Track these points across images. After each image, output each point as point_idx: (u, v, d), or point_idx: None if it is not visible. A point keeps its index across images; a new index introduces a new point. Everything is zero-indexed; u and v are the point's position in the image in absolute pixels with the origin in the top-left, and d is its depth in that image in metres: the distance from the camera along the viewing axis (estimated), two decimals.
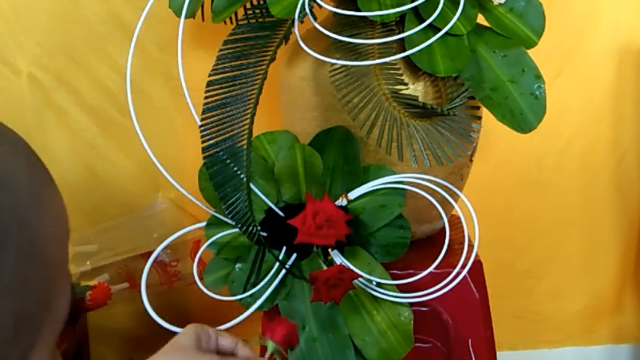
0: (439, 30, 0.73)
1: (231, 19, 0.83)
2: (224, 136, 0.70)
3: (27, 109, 1.13)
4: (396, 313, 0.78)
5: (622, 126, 1.24)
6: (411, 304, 0.79)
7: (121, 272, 1.12)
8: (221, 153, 0.70)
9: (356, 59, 0.74)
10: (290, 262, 0.79)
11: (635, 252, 1.30)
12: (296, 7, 0.73)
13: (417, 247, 0.84)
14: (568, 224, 1.28)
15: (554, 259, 1.30)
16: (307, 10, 0.73)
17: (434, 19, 0.73)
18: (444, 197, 0.79)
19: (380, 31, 0.77)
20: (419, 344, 0.83)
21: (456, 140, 0.73)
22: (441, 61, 0.75)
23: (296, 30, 0.73)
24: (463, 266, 0.79)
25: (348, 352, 0.78)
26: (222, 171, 0.70)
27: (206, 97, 0.71)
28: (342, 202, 0.78)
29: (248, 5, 0.80)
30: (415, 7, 0.74)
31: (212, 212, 0.79)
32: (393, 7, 0.74)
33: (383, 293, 0.78)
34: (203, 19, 0.86)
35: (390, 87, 0.75)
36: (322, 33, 0.72)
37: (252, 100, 0.70)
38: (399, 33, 0.75)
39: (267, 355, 0.65)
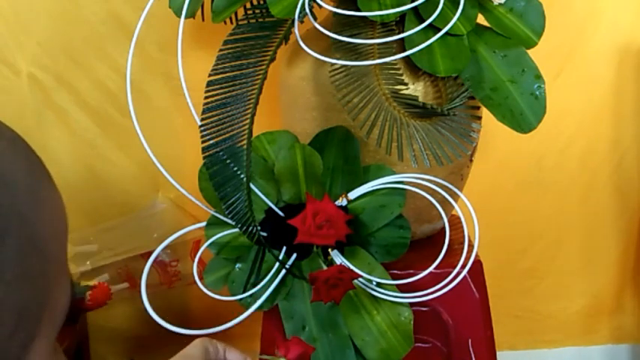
0: (439, 30, 0.73)
1: (231, 19, 0.83)
2: (224, 136, 0.70)
3: (27, 109, 1.13)
4: (396, 313, 0.78)
5: (622, 126, 1.24)
6: (411, 304, 0.79)
7: (121, 272, 1.12)
8: (221, 153, 0.70)
9: (356, 59, 0.74)
10: (290, 262, 0.79)
11: (634, 252, 1.30)
12: (296, 7, 0.73)
13: (417, 247, 0.84)
14: (568, 224, 1.28)
15: (554, 259, 1.30)
16: (307, 10, 0.73)
17: (434, 19, 0.73)
18: (444, 197, 0.79)
19: (380, 31, 0.77)
20: (419, 344, 0.83)
21: (456, 140, 0.74)
22: (441, 61, 0.75)
23: (296, 30, 0.73)
24: (463, 266, 0.79)
25: (348, 352, 0.78)
26: (222, 171, 0.70)
27: (206, 97, 0.71)
28: (342, 202, 0.78)
29: (248, 5, 0.80)
30: (415, 7, 0.74)
31: (212, 212, 0.79)
32: (393, 7, 0.74)
33: (383, 293, 0.78)
34: (203, 19, 0.86)
35: (390, 87, 0.75)
36: (322, 33, 0.72)
37: (252, 100, 0.70)
38: (399, 33, 0.75)
39: None
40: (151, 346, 1.17)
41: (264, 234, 0.77)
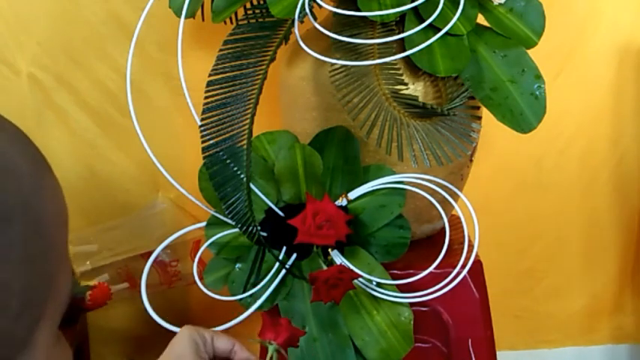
0: (439, 30, 0.73)
1: (231, 19, 0.83)
2: (224, 136, 0.70)
3: (27, 109, 1.13)
4: (396, 313, 0.78)
5: (622, 126, 1.24)
6: (411, 304, 0.79)
7: (121, 272, 1.12)
8: (221, 153, 0.70)
9: (356, 59, 0.74)
10: (290, 262, 0.79)
11: (634, 252, 1.30)
12: (296, 7, 0.73)
13: (417, 247, 0.84)
14: (568, 224, 1.28)
15: (554, 259, 1.30)
16: (307, 10, 0.73)
17: (434, 19, 0.73)
18: (444, 197, 0.79)
19: (380, 31, 0.77)
20: (419, 344, 0.83)
21: (456, 140, 0.74)
22: (441, 61, 0.75)
23: (296, 30, 0.73)
24: (463, 266, 0.79)
25: (348, 352, 0.78)
26: (222, 171, 0.70)
27: (206, 97, 0.71)
28: (342, 202, 0.78)
29: (248, 5, 0.80)
30: (415, 7, 0.74)
31: (212, 212, 0.79)
32: (393, 7, 0.74)
33: (383, 293, 0.78)
34: (203, 19, 0.86)
35: (390, 87, 0.75)
36: (322, 33, 0.72)
37: (252, 100, 0.70)
38: (399, 33, 0.75)
39: (268, 356, 0.64)
40: (151, 346, 1.16)
41: (264, 234, 0.77)
